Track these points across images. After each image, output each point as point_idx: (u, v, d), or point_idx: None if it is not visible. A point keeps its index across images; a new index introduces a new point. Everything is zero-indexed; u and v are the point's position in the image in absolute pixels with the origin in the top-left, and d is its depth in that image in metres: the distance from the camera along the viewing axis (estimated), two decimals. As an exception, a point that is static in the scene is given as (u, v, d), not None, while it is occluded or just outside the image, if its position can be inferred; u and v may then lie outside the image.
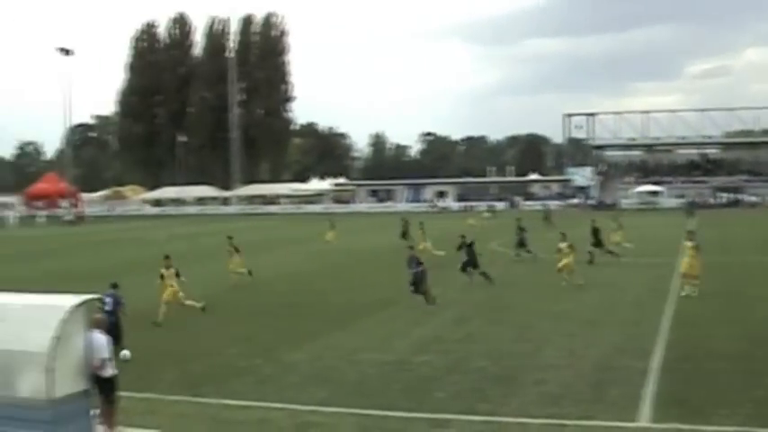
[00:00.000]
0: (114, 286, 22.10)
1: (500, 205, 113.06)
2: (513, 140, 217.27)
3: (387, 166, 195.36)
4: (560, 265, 33.80)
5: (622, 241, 46.24)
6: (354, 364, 20.34)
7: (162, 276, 28.34)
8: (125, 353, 19.04)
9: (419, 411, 16.00)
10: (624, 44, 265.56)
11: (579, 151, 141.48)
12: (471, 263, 34.99)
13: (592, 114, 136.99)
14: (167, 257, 28.89)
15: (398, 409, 16.24)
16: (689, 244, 30.79)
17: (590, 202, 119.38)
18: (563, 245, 34.19)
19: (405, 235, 54.97)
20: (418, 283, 29.13)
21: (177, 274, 28.52)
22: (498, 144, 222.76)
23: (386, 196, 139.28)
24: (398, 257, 43.97)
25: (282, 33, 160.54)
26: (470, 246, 35.47)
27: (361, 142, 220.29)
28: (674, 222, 71.17)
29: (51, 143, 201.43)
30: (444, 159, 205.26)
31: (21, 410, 13.35)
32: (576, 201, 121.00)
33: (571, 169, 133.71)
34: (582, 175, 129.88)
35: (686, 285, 29.83)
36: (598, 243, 42.55)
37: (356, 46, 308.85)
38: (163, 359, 21.40)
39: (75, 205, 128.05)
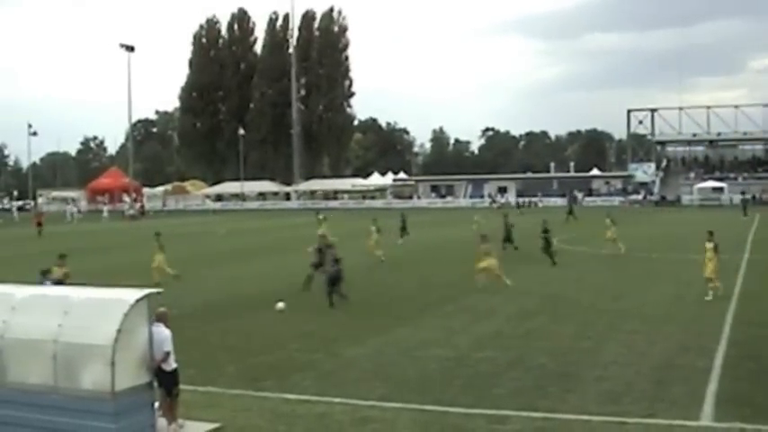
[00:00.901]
0: None
1: (560, 201, 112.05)
2: (575, 136, 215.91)
3: (447, 161, 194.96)
4: (481, 266, 32.53)
5: (613, 238, 45.52)
6: (415, 360, 20.32)
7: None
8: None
9: (478, 407, 15.93)
10: (687, 39, 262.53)
11: (641, 147, 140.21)
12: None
13: (654, 110, 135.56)
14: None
15: (458, 404, 16.19)
16: (708, 245, 29.40)
17: (652, 198, 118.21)
18: (483, 246, 32.91)
19: (404, 230, 56.17)
20: (336, 282, 29.18)
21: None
22: (559, 140, 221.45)
23: (447, 192, 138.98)
24: (459, 254, 44.13)
25: (343, 29, 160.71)
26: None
27: (422, 138, 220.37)
28: (734, 219, 70.39)
29: (114, 139, 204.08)
30: (505, 155, 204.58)
31: (84, 402, 13.51)
32: (637, 197, 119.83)
33: (633, 165, 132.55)
34: (644, 171, 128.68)
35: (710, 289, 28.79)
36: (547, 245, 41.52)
37: (418, 41, 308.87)
38: (224, 353, 21.53)
39: (137, 200, 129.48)
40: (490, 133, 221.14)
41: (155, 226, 62.35)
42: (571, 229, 59.84)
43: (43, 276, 23.67)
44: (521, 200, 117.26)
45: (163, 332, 14.50)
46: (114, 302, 14.17)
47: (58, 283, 23.02)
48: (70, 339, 13.84)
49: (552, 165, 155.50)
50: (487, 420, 15.20)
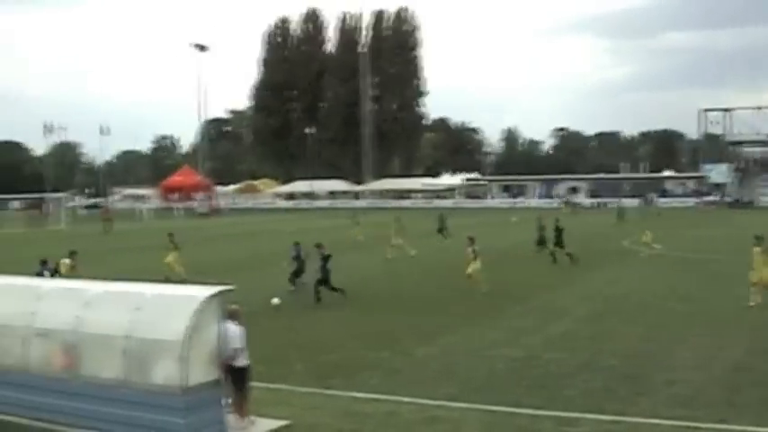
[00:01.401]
0: None
1: (633, 202, 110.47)
2: (647, 136, 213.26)
3: (519, 161, 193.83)
4: (468, 271, 31.90)
5: (651, 242, 46.59)
6: (483, 360, 20.27)
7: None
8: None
9: (547, 409, 15.85)
10: (763, 37, 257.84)
11: (715, 147, 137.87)
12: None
13: (728, 109, 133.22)
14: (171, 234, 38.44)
15: (526, 406, 16.11)
16: (757, 249, 27.80)
17: (726, 199, 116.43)
18: (469, 249, 32.24)
19: (442, 230, 56.95)
20: (327, 280, 29.79)
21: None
22: (631, 139, 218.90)
23: (518, 192, 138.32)
24: (532, 254, 44.01)
25: (414, 28, 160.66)
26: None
27: (493, 137, 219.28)
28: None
29: (187, 137, 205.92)
30: (577, 155, 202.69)
31: (155, 397, 13.72)
32: (712, 198, 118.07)
33: (707, 166, 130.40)
34: (718, 172, 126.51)
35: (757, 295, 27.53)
36: (557, 242, 41.86)
37: (489, 39, 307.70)
38: (294, 351, 21.68)
39: (210, 198, 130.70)
40: (562, 133, 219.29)
41: (226, 224, 63.11)
42: (630, 231, 59.00)
43: (42, 266, 25.90)
44: (594, 200, 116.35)
45: (234, 329, 14.63)
46: (186, 299, 14.37)
47: (54, 273, 25.98)
48: (142, 335, 14.06)
49: (626, 165, 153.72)
50: (556, 422, 15.11)
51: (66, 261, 28.72)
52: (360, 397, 17.03)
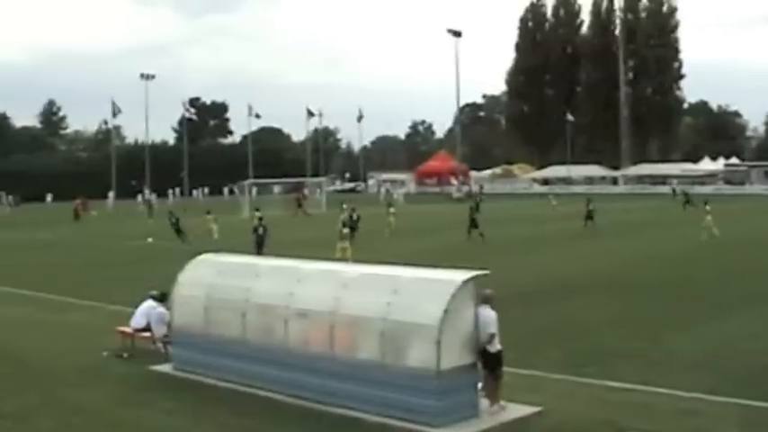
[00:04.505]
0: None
1: None
2: None
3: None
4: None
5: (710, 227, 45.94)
6: (743, 353, 19.52)
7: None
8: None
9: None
10: None
11: None
12: None
13: None
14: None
15: (792, 403, 15.38)
16: None
17: None
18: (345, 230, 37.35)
19: (589, 217, 55.95)
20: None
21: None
22: None
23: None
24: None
25: (672, 9, 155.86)
26: None
27: (755, 121, 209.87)
28: None
29: (442, 122, 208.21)
30: None
31: (409, 379, 13.98)
32: None
33: None
34: None
35: None
36: None
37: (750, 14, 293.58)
38: (548, 337, 21.59)
39: (465, 183, 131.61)
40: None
41: (482, 208, 63.34)
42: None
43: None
44: None
45: (489, 314, 14.71)
46: (442, 283, 14.54)
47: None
48: (398, 318, 14.35)
49: None
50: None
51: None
52: (613, 386, 16.75)
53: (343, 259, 32.86)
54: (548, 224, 61.17)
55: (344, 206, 56.93)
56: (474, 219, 49.50)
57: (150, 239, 53.62)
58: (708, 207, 47.76)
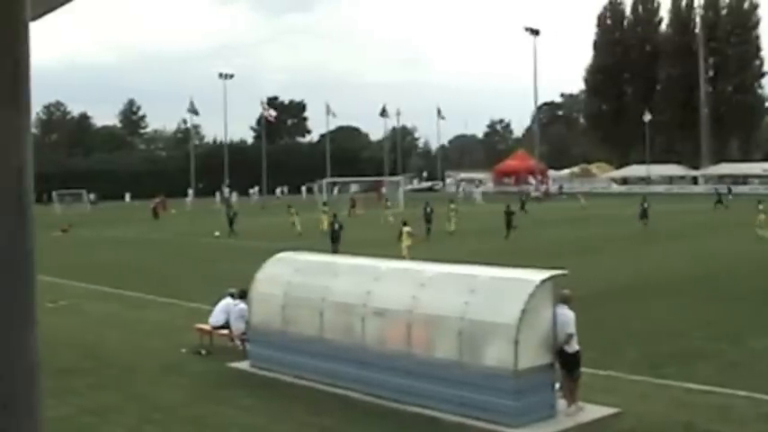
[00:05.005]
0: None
1: None
2: None
3: None
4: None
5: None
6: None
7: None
8: None
9: None
10: None
11: None
12: None
13: None
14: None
15: None
16: None
17: None
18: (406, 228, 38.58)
19: (644, 215, 57.12)
20: None
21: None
22: None
23: None
24: None
25: (754, 6, 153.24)
26: None
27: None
28: None
29: (519, 121, 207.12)
30: None
31: (487, 378, 13.98)
32: None
33: None
34: None
35: None
36: None
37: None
38: (626, 338, 21.39)
39: (543, 182, 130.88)
40: None
41: (558, 208, 63.08)
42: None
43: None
44: None
45: (567, 314, 14.66)
46: (520, 282, 14.54)
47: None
48: (476, 317, 14.36)
49: None
50: None
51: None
52: (692, 388, 16.56)
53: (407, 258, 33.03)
54: (613, 225, 60.49)
55: (390, 218, 60.87)
56: (510, 220, 50.82)
57: (217, 233, 55.91)
58: (761, 206, 47.33)
